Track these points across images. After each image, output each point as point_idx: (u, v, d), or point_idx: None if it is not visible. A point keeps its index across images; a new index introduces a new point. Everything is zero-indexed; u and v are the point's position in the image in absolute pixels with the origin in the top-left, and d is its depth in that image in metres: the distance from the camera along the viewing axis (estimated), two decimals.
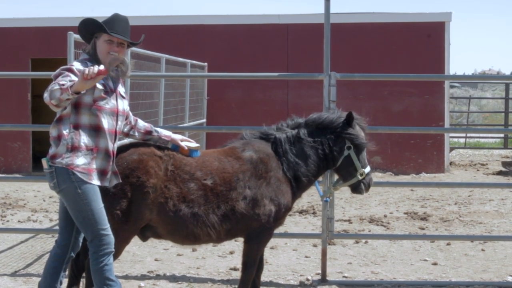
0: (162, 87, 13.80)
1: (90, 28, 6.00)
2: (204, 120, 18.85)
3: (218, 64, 18.93)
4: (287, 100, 19.64)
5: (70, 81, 5.54)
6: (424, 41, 19.45)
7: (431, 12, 19.82)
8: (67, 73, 5.68)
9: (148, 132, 6.49)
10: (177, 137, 6.56)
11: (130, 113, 6.43)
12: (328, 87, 8.29)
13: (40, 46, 19.86)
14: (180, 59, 16.16)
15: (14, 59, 19.52)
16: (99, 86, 5.79)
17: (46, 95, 5.55)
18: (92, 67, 5.46)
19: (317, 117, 6.89)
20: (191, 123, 16.85)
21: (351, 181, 6.92)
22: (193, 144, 6.53)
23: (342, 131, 6.80)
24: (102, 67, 5.52)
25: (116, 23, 5.97)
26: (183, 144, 6.48)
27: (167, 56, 14.63)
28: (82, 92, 5.58)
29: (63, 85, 5.47)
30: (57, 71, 5.77)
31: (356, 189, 6.97)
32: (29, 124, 19.20)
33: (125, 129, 6.39)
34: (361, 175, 6.85)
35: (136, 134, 6.46)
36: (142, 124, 6.49)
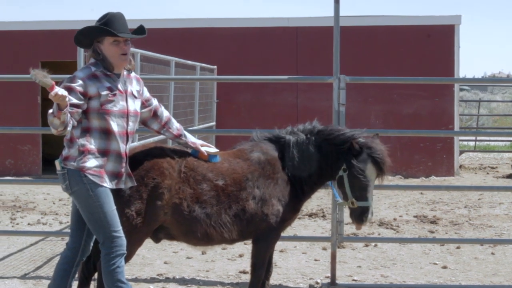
0: (171, 90, 13.81)
1: (92, 36, 5.91)
2: (214, 123, 18.85)
3: (228, 67, 18.92)
4: (296, 103, 19.64)
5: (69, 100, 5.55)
6: (434, 44, 19.42)
7: (441, 15, 19.81)
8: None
9: (178, 136, 6.49)
10: (198, 142, 6.56)
11: (161, 109, 6.43)
12: (337, 90, 8.28)
13: (50, 49, 19.92)
14: (190, 62, 16.17)
15: (24, 62, 19.53)
16: (103, 91, 5.80)
17: (51, 128, 5.58)
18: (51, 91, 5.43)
19: (330, 130, 6.73)
20: (201, 126, 16.85)
21: (345, 204, 6.72)
22: (212, 150, 6.54)
23: (343, 155, 6.62)
24: (43, 80, 5.44)
25: (115, 22, 5.88)
26: (202, 149, 6.49)
27: (177, 59, 14.65)
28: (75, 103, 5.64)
29: (52, 113, 5.49)
30: (61, 86, 5.74)
31: (350, 215, 6.75)
32: (39, 127, 19.22)
33: (155, 127, 6.40)
34: (352, 204, 6.60)
35: (167, 134, 6.47)
36: (174, 126, 6.46)
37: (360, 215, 6.62)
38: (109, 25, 5.85)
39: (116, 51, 5.89)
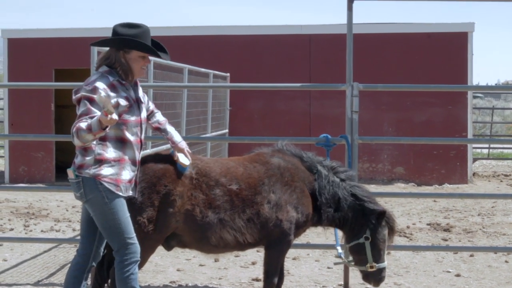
0: (184, 98, 13.84)
1: (125, 45, 5.91)
2: (227, 130, 18.87)
3: (240, 74, 18.94)
4: (309, 111, 19.63)
5: (93, 116, 5.55)
6: (447, 51, 19.39)
7: (454, 22, 19.78)
8: (88, 106, 5.65)
9: (156, 128, 6.46)
10: (180, 144, 6.40)
11: (149, 104, 6.38)
12: (350, 98, 8.27)
13: (63, 57, 19.98)
14: (203, 70, 16.20)
15: (38, 69, 19.65)
16: (122, 102, 5.81)
17: (75, 139, 5.56)
18: (108, 116, 5.40)
19: (362, 196, 6.85)
20: (214, 134, 16.88)
21: (359, 267, 6.93)
22: (185, 161, 6.32)
23: (371, 222, 6.76)
24: (110, 108, 5.42)
25: (146, 38, 5.96)
26: (177, 154, 6.37)
27: (190, 66, 14.68)
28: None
29: (90, 128, 5.46)
30: (79, 95, 5.74)
31: (365, 277, 6.97)
32: (52, 134, 19.31)
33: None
34: (371, 268, 6.79)
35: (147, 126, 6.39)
36: (155, 119, 6.44)
37: (379, 276, 6.88)
38: (141, 39, 5.92)
39: (140, 65, 5.98)
